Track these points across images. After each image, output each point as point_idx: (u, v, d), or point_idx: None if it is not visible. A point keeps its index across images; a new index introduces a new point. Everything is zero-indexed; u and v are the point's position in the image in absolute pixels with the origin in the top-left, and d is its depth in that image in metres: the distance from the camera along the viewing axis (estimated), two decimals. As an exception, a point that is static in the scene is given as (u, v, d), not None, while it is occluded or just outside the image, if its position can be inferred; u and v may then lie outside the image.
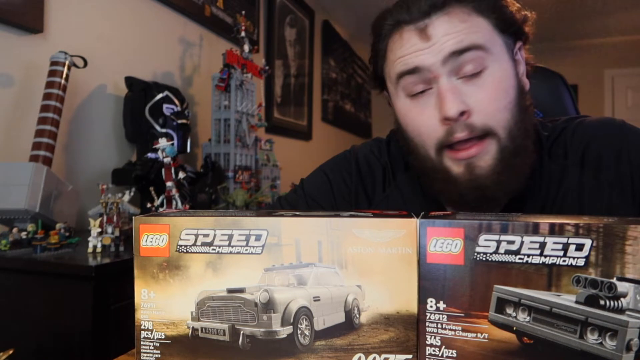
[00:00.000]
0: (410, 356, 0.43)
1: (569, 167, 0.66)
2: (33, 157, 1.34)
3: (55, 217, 1.31)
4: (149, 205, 1.50)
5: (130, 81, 1.82)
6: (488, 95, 0.60)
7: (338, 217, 0.44)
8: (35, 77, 1.49)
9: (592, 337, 0.38)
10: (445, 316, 0.42)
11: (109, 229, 1.26)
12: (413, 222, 0.42)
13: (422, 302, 0.43)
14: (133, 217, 0.48)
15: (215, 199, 1.86)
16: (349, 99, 4.93)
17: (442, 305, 0.42)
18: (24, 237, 1.24)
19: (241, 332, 0.45)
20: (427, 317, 0.43)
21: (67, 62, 1.45)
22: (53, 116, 1.40)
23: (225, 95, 2.04)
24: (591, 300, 0.38)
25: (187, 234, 0.46)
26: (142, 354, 0.47)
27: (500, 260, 0.40)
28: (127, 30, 1.92)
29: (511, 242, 0.40)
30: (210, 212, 0.49)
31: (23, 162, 1.32)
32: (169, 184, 1.48)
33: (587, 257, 0.38)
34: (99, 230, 1.23)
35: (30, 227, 1.25)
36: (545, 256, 0.39)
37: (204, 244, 0.45)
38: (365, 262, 0.43)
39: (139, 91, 1.79)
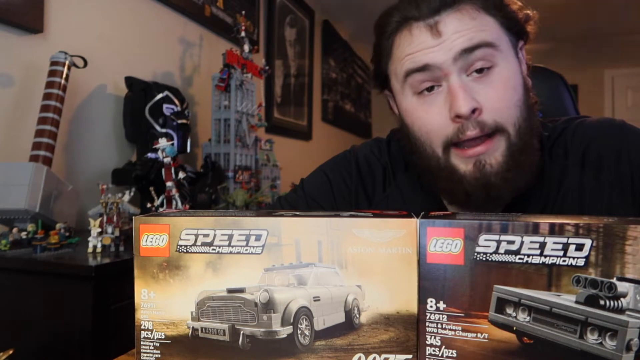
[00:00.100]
0: (410, 356, 0.43)
1: (569, 168, 0.66)
2: (33, 157, 1.34)
3: (55, 217, 1.31)
4: (149, 205, 1.50)
5: (130, 81, 1.82)
6: (498, 93, 0.60)
7: (338, 217, 0.44)
8: (35, 77, 1.49)
9: (592, 337, 0.38)
10: (445, 316, 0.42)
11: (109, 229, 1.26)
12: (413, 222, 0.42)
13: (422, 302, 0.43)
14: (133, 217, 0.48)
15: (215, 199, 1.86)
16: (349, 99, 4.93)
17: (442, 305, 0.42)
18: (24, 237, 1.24)
19: (241, 332, 0.45)
20: (427, 317, 0.42)
21: (67, 62, 1.45)
22: (53, 116, 1.40)
23: (225, 95, 2.04)
24: (591, 300, 0.38)
25: (187, 234, 0.46)
26: (142, 354, 0.47)
27: (500, 260, 0.40)
28: (127, 30, 1.92)
29: (511, 242, 0.40)
30: (210, 212, 0.49)
31: (23, 162, 1.32)
32: (169, 184, 1.48)
33: (587, 257, 0.38)
34: (99, 230, 1.23)
35: (30, 227, 1.25)
36: (545, 256, 0.39)
37: (204, 244, 0.45)
38: (365, 262, 0.43)
39: (139, 91, 1.79)
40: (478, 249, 0.41)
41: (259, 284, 0.45)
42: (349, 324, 0.44)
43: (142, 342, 0.47)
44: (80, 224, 1.52)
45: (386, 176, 0.77)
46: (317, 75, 4.02)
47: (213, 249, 0.45)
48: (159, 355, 0.47)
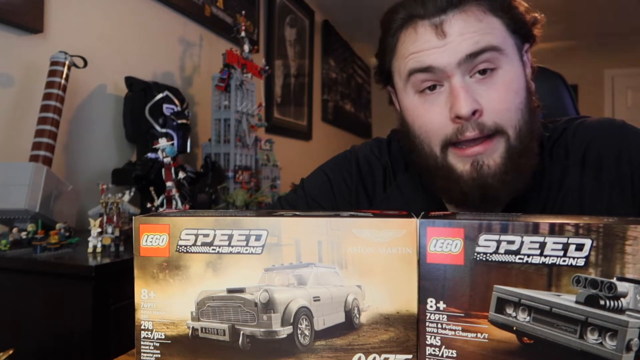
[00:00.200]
0: (410, 356, 0.43)
1: (569, 168, 0.66)
2: (33, 157, 1.34)
3: (55, 217, 1.31)
4: (149, 205, 1.50)
5: (130, 81, 1.82)
6: (500, 95, 0.60)
7: (338, 217, 0.44)
8: (35, 77, 1.49)
9: (592, 337, 0.38)
10: (445, 316, 0.42)
11: (109, 229, 1.26)
12: (413, 222, 0.42)
13: (422, 302, 0.43)
14: (133, 217, 0.48)
15: (215, 199, 1.86)
16: (349, 99, 4.93)
17: (442, 305, 0.42)
18: (24, 237, 1.24)
19: (241, 332, 0.45)
20: (427, 317, 0.42)
21: (67, 62, 1.45)
22: (53, 116, 1.40)
23: (225, 95, 2.04)
24: (591, 300, 0.38)
25: (187, 234, 0.46)
26: (142, 354, 0.47)
27: (500, 260, 0.40)
28: (127, 30, 1.92)
29: (511, 242, 0.40)
30: (210, 212, 0.49)
31: (23, 162, 1.32)
32: (169, 184, 1.48)
33: (587, 257, 0.38)
34: (99, 230, 1.23)
35: (30, 227, 1.25)
36: (545, 256, 0.39)
37: (204, 244, 0.45)
38: (365, 262, 0.43)
39: (139, 91, 1.79)
40: (478, 249, 0.41)
41: (259, 284, 0.45)
42: (349, 324, 0.44)
43: (142, 342, 0.47)
44: (80, 224, 1.52)
45: (386, 176, 0.77)
46: (317, 75, 4.02)
47: (213, 249, 0.45)
48: (159, 355, 0.47)
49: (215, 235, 0.45)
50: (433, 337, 0.42)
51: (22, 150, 1.41)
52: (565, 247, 0.38)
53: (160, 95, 1.77)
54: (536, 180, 0.66)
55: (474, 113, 0.59)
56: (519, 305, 0.40)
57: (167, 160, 1.49)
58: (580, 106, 1.13)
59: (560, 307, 0.39)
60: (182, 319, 0.46)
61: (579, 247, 0.38)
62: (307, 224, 0.44)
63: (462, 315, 0.41)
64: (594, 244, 0.38)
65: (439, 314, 0.42)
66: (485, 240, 0.40)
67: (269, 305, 0.44)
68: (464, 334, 0.42)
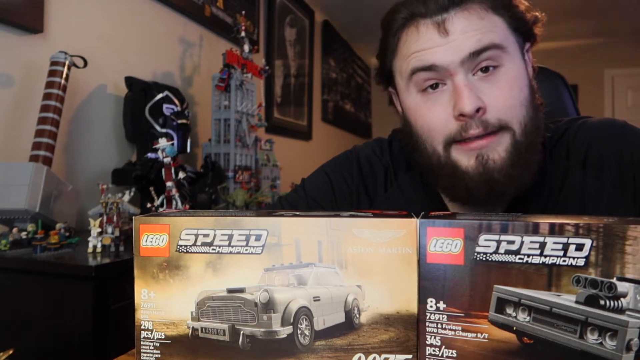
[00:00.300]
0: (410, 356, 0.43)
1: (571, 168, 0.66)
2: (33, 157, 1.34)
3: (55, 217, 1.31)
4: (149, 205, 1.50)
5: (130, 81, 1.82)
6: (503, 93, 0.60)
7: (338, 217, 0.44)
8: (35, 77, 1.49)
9: (592, 337, 0.38)
10: (445, 316, 0.42)
11: (109, 229, 1.26)
12: (413, 222, 0.42)
13: (422, 302, 0.43)
14: (133, 217, 0.48)
15: (215, 199, 1.86)
16: (349, 99, 4.93)
17: (442, 305, 0.42)
18: (24, 237, 1.24)
19: (241, 332, 0.45)
20: (427, 317, 0.42)
21: (67, 62, 1.45)
22: (53, 116, 1.40)
23: (225, 95, 2.04)
24: (591, 300, 0.38)
25: (187, 234, 0.46)
26: (142, 354, 0.47)
27: (500, 260, 0.40)
28: (127, 30, 1.92)
29: (511, 242, 0.40)
30: (210, 212, 0.49)
31: (23, 162, 1.32)
32: (169, 184, 1.48)
33: (587, 257, 0.38)
34: (99, 230, 1.23)
35: (30, 227, 1.25)
36: (545, 256, 0.39)
37: (204, 244, 0.45)
38: (365, 262, 0.43)
39: (139, 91, 1.79)
40: (478, 249, 0.41)
41: (259, 284, 0.45)
42: (349, 324, 0.44)
43: (142, 342, 0.47)
44: (80, 224, 1.52)
45: (387, 176, 0.76)
46: (317, 75, 4.02)
47: (213, 249, 0.45)
48: (159, 355, 0.47)
49: (215, 235, 0.45)
50: (433, 337, 0.42)
51: (22, 150, 1.41)
52: (565, 247, 0.38)
53: (160, 95, 1.77)
54: (537, 181, 0.66)
55: (477, 110, 0.59)
56: (519, 305, 0.40)
57: (167, 160, 1.49)
58: (580, 106, 1.13)
59: (560, 307, 0.39)
60: (182, 319, 0.46)
61: (579, 247, 0.38)
62: (307, 224, 0.44)
63: (462, 315, 0.41)
64: (594, 244, 0.38)
65: (439, 314, 0.42)
66: (485, 240, 0.40)
67: (269, 305, 0.44)
68: (464, 334, 0.42)
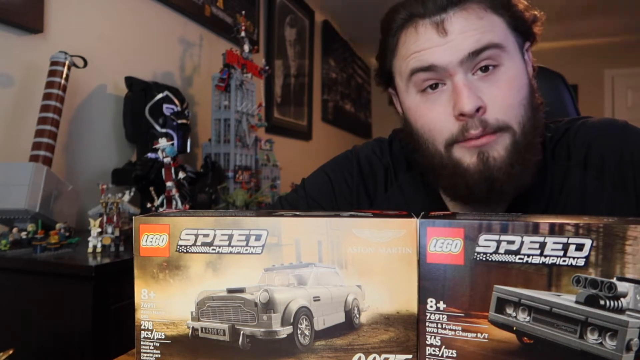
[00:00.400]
0: (410, 356, 0.43)
1: (571, 168, 0.66)
2: (33, 157, 1.34)
3: (55, 217, 1.31)
4: (149, 205, 1.50)
5: (130, 81, 1.82)
6: (503, 92, 0.60)
7: (338, 217, 0.44)
8: (35, 77, 1.49)
9: (592, 337, 0.38)
10: (445, 316, 0.42)
11: (109, 229, 1.26)
12: (413, 222, 0.42)
13: (422, 302, 0.43)
14: (133, 217, 0.48)
15: (215, 199, 1.86)
16: (349, 99, 4.93)
17: (442, 305, 0.42)
18: (24, 237, 1.24)
19: (241, 332, 0.45)
20: (427, 317, 0.42)
21: (67, 62, 1.45)
22: (53, 116, 1.40)
23: (225, 95, 2.04)
24: (591, 300, 0.38)
25: (187, 234, 0.46)
26: (142, 354, 0.47)
27: (500, 260, 0.40)
28: (127, 30, 1.92)
29: (511, 242, 0.40)
30: (210, 212, 0.49)
31: (23, 162, 1.32)
32: (169, 184, 1.48)
33: (587, 257, 0.38)
34: (99, 230, 1.23)
35: (30, 227, 1.25)
36: (545, 256, 0.39)
37: (204, 244, 0.45)
38: (365, 262, 0.43)
39: (139, 91, 1.79)
40: (478, 249, 0.41)
41: (259, 284, 0.45)
42: (349, 324, 0.44)
43: (142, 342, 0.47)
44: (80, 224, 1.52)
45: (388, 176, 0.76)
46: (317, 75, 4.02)
47: (213, 249, 0.45)
48: (159, 355, 0.47)
49: (215, 235, 0.45)
50: (433, 337, 0.42)
51: (22, 150, 1.41)
52: (565, 247, 0.38)
53: (160, 95, 1.77)
54: (538, 181, 0.66)
55: (477, 110, 0.59)
56: (519, 305, 0.40)
57: (167, 160, 1.49)
58: (580, 106, 1.13)
59: (560, 307, 0.39)
60: (182, 319, 0.46)
61: (579, 247, 0.38)
62: (307, 224, 0.44)
63: (462, 315, 0.41)
64: (594, 244, 0.38)
65: (439, 314, 0.42)
66: (485, 240, 0.40)
67: (269, 305, 0.44)
68: (464, 334, 0.42)
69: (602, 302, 0.38)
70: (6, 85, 1.45)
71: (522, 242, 0.39)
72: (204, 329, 0.46)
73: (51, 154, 1.38)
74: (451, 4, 0.60)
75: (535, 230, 0.39)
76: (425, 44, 0.61)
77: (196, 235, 0.45)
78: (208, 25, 2.43)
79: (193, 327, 0.46)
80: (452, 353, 0.42)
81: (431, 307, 0.42)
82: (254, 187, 2.11)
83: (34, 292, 1.16)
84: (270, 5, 3.11)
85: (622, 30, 4.70)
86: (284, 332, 0.44)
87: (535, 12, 0.66)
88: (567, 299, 0.39)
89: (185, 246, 0.46)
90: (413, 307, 0.43)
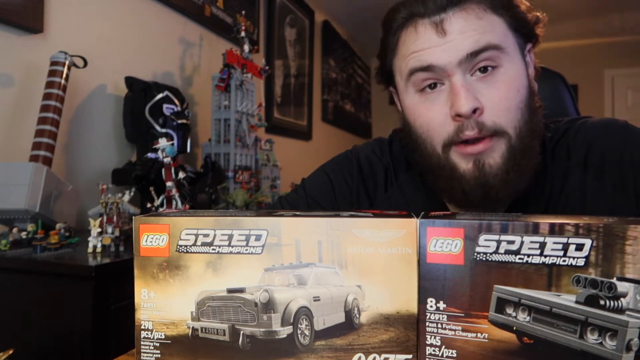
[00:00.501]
0: (410, 356, 0.43)
1: (571, 168, 0.66)
2: (33, 157, 1.34)
3: (55, 217, 1.31)
4: (149, 205, 1.50)
5: (130, 81, 1.82)
6: (500, 94, 0.60)
7: (338, 217, 0.44)
8: (35, 77, 1.49)
9: (592, 337, 0.38)
10: (445, 316, 0.42)
11: (109, 229, 1.26)
12: (413, 222, 0.42)
13: (422, 302, 0.43)
14: (133, 217, 0.48)
15: (215, 199, 1.86)
16: (349, 99, 4.93)
17: (442, 305, 0.42)
18: (24, 237, 1.24)
19: (241, 332, 0.45)
20: (427, 317, 0.42)
21: (67, 62, 1.45)
22: (53, 116, 1.40)
23: (225, 95, 2.04)
24: (591, 300, 0.38)
25: (187, 234, 0.46)
26: (142, 354, 0.47)
27: (500, 260, 0.40)
28: (127, 30, 1.92)
29: (511, 242, 0.40)
30: (210, 212, 0.49)
31: (23, 162, 1.32)
32: (169, 184, 1.48)
33: (587, 257, 0.38)
34: (99, 230, 1.23)
35: (30, 227, 1.25)
36: (545, 256, 0.39)
37: (204, 244, 0.45)
38: (365, 262, 0.43)
39: (139, 91, 1.79)
40: (478, 249, 0.41)
41: (259, 284, 0.45)
42: (349, 324, 0.44)
43: (142, 342, 0.47)
44: (80, 224, 1.52)
45: (388, 176, 0.76)
46: (317, 75, 4.02)
47: (213, 249, 0.45)
48: (159, 355, 0.47)
49: (215, 235, 0.45)
50: (433, 337, 0.42)
51: (22, 150, 1.41)
52: (565, 247, 0.38)
53: (160, 95, 1.77)
54: (538, 181, 0.66)
55: (474, 111, 0.59)
56: (519, 305, 0.40)
57: (167, 160, 1.49)
58: (580, 106, 1.13)
59: (560, 307, 0.39)
60: (182, 319, 0.46)
61: (579, 247, 0.38)
62: (307, 224, 0.44)
63: (462, 315, 0.41)
64: (594, 244, 0.38)
65: (439, 314, 0.42)
66: (485, 240, 0.40)
67: (269, 305, 0.44)
68: (464, 334, 0.42)
69: (602, 302, 0.38)
70: (6, 85, 1.45)
71: (522, 242, 0.39)
72: (204, 329, 0.46)
73: (51, 154, 1.38)
74: (451, 3, 0.60)
75: (535, 230, 0.39)
76: (425, 44, 0.61)
77: (196, 235, 0.45)
78: (208, 25, 2.43)
79: (193, 327, 0.46)
80: (452, 353, 0.42)
81: (431, 307, 0.42)
82: (254, 187, 2.11)
83: (34, 292, 1.16)
84: (270, 5, 3.11)
85: (622, 30, 4.70)
86: (284, 332, 0.44)
87: (538, 14, 0.66)
88: (567, 299, 0.39)
89: (185, 246, 0.46)
90: (413, 307, 0.43)
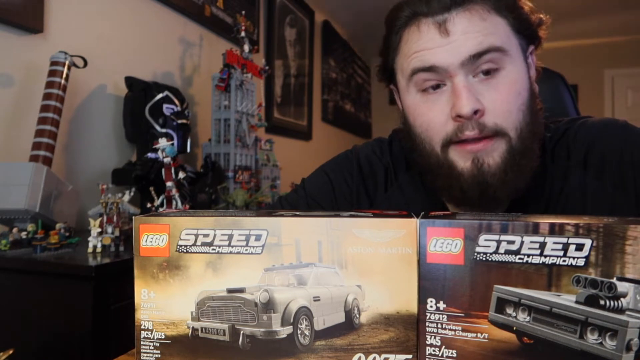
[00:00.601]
0: (410, 356, 0.43)
1: (571, 169, 0.66)
2: (33, 157, 1.34)
3: (55, 217, 1.31)
4: (149, 205, 1.50)
5: (130, 81, 1.82)
6: (502, 96, 0.60)
7: (338, 217, 0.44)
8: (35, 77, 1.49)
9: (592, 337, 0.38)
10: (445, 316, 0.42)
11: (109, 229, 1.26)
12: (413, 222, 0.42)
13: (422, 302, 0.43)
14: (133, 217, 0.48)
15: (215, 199, 1.86)
16: (349, 99, 4.93)
17: (442, 305, 0.42)
18: (24, 237, 1.24)
19: (241, 332, 0.45)
20: (427, 317, 0.42)
21: (67, 62, 1.45)
22: (53, 116, 1.40)
23: (225, 95, 2.04)
24: (591, 300, 0.38)
25: (187, 234, 0.46)
26: (142, 354, 0.47)
27: (500, 260, 0.40)
28: (127, 30, 1.92)
29: (511, 242, 0.40)
30: (210, 212, 0.49)
31: (23, 162, 1.32)
32: (169, 184, 1.48)
33: (587, 257, 0.38)
34: (99, 230, 1.23)
35: (30, 227, 1.25)
36: (545, 256, 0.39)
37: (204, 244, 0.45)
38: (365, 262, 0.43)
39: (139, 91, 1.79)
40: (478, 249, 0.41)
41: (259, 284, 0.45)
42: (349, 324, 0.44)
43: (142, 342, 0.47)
44: (80, 224, 1.52)
45: (388, 176, 0.76)
46: (317, 75, 4.02)
47: (213, 249, 0.45)
48: (159, 355, 0.47)
49: (215, 235, 0.45)
50: (433, 337, 0.42)
51: (22, 150, 1.41)
52: (565, 247, 0.38)
53: (160, 95, 1.77)
54: (538, 182, 0.66)
55: (475, 113, 0.59)
56: (519, 305, 0.40)
57: (167, 160, 1.49)
58: (580, 106, 1.13)
59: (560, 307, 0.39)
60: (182, 319, 0.46)
61: (579, 247, 0.38)
62: (307, 224, 0.44)
63: (462, 315, 0.41)
64: (594, 244, 0.38)
65: (439, 314, 0.42)
66: (485, 240, 0.40)
67: (269, 305, 0.44)
68: (464, 334, 0.42)
69: (602, 302, 0.38)
70: (6, 85, 1.45)
71: (522, 242, 0.39)
72: (204, 329, 0.46)
73: (51, 154, 1.38)
74: (455, 4, 0.60)
75: (535, 230, 0.39)
76: (427, 44, 0.61)
77: (196, 235, 0.45)
78: (208, 25, 2.43)
79: (193, 327, 0.46)
80: (452, 353, 0.42)
81: (431, 307, 0.42)
82: (254, 187, 2.11)
83: (34, 292, 1.16)
84: (270, 5, 3.11)
85: (622, 30, 4.70)
86: (284, 332, 0.44)
87: (541, 16, 0.66)
88: (567, 299, 0.39)
89: (185, 246, 0.46)
90: (413, 307, 0.43)
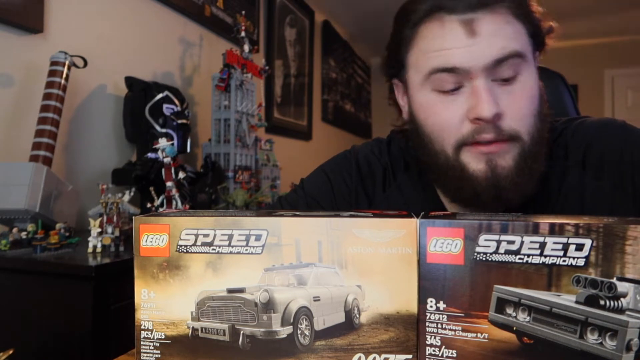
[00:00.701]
0: (410, 356, 0.43)
1: (570, 168, 0.66)
2: (33, 157, 1.34)
3: (55, 217, 1.31)
4: (149, 205, 1.50)
5: (130, 81, 1.82)
6: (519, 102, 0.60)
7: (338, 217, 0.44)
8: (35, 77, 1.49)
9: (592, 337, 0.38)
10: (445, 316, 0.42)
11: (109, 229, 1.26)
12: (413, 222, 0.42)
13: (422, 302, 0.43)
14: (133, 217, 0.48)
15: (215, 199, 1.86)
16: (349, 99, 4.93)
17: (442, 305, 0.42)
18: (24, 237, 1.24)
19: (241, 332, 0.45)
20: (427, 317, 0.42)
21: (67, 62, 1.45)
22: (53, 116, 1.40)
23: (225, 95, 2.04)
24: (591, 300, 0.38)
25: (187, 234, 0.46)
26: (142, 354, 0.47)
27: (500, 260, 0.40)
28: (127, 30, 1.92)
29: (511, 242, 0.40)
30: (210, 212, 0.49)
31: (23, 162, 1.32)
32: (169, 184, 1.48)
33: (587, 257, 0.38)
34: (99, 230, 1.23)
35: (30, 227, 1.25)
36: (545, 256, 0.39)
37: (204, 244, 0.45)
38: (365, 262, 0.43)
39: (139, 91, 1.79)
40: (478, 249, 0.41)
41: (259, 284, 0.45)
42: (349, 324, 0.44)
43: (142, 342, 0.47)
44: (80, 224, 1.52)
45: (386, 176, 0.76)
46: (317, 75, 4.02)
47: (213, 249, 0.45)
48: (159, 355, 0.47)
49: (215, 235, 0.45)
50: (433, 337, 0.42)
51: (22, 150, 1.41)
52: (565, 247, 0.38)
53: (160, 95, 1.77)
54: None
55: (495, 116, 0.58)
56: (519, 305, 0.40)
57: (167, 160, 1.49)
58: (580, 106, 1.13)
59: (560, 307, 0.39)
60: (182, 319, 0.46)
61: (579, 247, 0.38)
62: (307, 224, 0.44)
63: (462, 315, 0.41)
64: (594, 244, 0.38)
65: (439, 314, 0.42)
66: (485, 240, 0.40)
67: (269, 305, 0.44)
68: (464, 334, 0.42)
69: (602, 302, 0.38)
70: (6, 85, 1.45)
71: (522, 242, 0.39)
72: (204, 329, 0.46)
73: (51, 154, 1.38)
74: (481, 5, 0.58)
75: (535, 230, 0.39)
76: (452, 43, 0.59)
77: (196, 235, 0.45)
78: (208, 25, 2.43)
79: (193, 327, 0.46)
80: (452, 353, 0.42)
81: (431, 307, 0.42)
82: (254, 187, 2.11)
83: (34, 292, 1.16)
84: (270, 5, 3.11)
85: (622, 30, 4.70)
86: (284, 332, 0.44)
87: (551, 23, 0.65)
88: (567, 299, 0.39)
89: (185, 246, 0.46)
90: (413, 307, 0.43)
